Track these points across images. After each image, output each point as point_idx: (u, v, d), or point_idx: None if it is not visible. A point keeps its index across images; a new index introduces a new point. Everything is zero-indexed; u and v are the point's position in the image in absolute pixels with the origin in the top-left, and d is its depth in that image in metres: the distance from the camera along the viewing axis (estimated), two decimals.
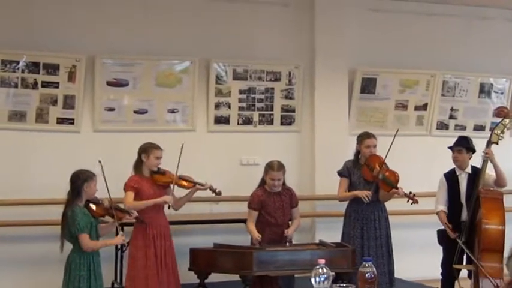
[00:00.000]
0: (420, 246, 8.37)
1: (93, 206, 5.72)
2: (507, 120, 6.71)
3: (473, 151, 6.89)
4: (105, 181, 5.76)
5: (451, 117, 9.10)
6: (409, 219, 8.19)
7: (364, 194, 6.71)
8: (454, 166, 6.96)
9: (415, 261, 8.14)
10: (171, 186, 6.42)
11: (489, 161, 6.62)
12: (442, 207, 6.90)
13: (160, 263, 6.25)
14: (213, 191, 6.60)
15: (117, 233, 5.98)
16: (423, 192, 7.48)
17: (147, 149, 6.38)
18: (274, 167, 6.56)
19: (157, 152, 6.36)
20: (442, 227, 6.89)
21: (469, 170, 6.86)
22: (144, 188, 6.28)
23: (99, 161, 5.79)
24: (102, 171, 5.77)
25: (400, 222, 7.77)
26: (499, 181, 6.68)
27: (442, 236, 6.90)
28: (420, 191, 7.29)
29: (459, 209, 6.77)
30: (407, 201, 6.74)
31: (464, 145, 6.86)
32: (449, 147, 6.94)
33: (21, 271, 7.35)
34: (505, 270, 3.29)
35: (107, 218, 5.91)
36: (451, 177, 6.91)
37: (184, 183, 6.50)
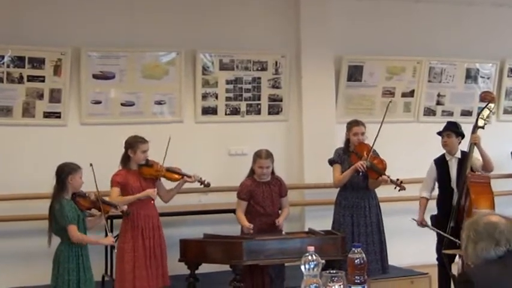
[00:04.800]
0: (410, 232, 8.36)
1: (79, 199, 5.72)
2: (492, 105, 6.72)
3: (463, 136, 6.89)
4: (96, 183, 5.74)
5: (438, 103, 9.11)
6: (399, 206, 8.19)
7: (360, 164, 6.63)
8: (442, 152, 6.97)
9: (406, 248, 8.17)
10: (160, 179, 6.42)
11: (475, 146, 6.64)
12: (425, 193, 6.94)
13: (149, 254, 6.24)
14: (202, 182, 6.57)
15: (106, 234, 5.86)
16: (411, 178, 7.48)
17: (132, 144, 6.33)
18: (262, 155, 6.56)
19: (143, 146, 6.32)
20: (435, 213, 6.92)
21: (458, 155, 6.87)
22: (130, 182, 6.25)
23: (91, 165, 5.73)
24: (94, 175, 5.74)
25: (390, 208, 7.79)
26: (486, 166, 6.70)
27: (435, 222, 6.91)
28: (408, 178, 7.29)
29: (450, 194, 6.77)
30: (395, 188, 6.75)
31: (453, 129, 6.86)
32: (438, 133, 6.93)
33: (9, 266, 7.30)
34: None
35: (94, 211, 5.90)
36: (441, 163, 6.91)
37: (172, 175, 6.47)
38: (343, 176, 6.79)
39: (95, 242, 5.78)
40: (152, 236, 6.28)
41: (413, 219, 6.85)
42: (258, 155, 6.58)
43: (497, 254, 3.14)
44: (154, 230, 6.31)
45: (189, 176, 6.47)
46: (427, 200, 6.93)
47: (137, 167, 6.35)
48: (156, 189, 6.32)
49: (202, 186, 6.60)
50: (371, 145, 6.78)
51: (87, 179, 5.79)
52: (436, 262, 6.97)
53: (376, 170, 6.73)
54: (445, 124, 7.03)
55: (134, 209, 6.20)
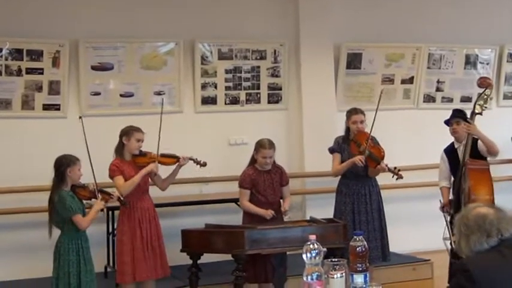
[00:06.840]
0: (410, 219, 8.40)
1: (79, 190, 5.73)
2: (489, 91, 6.65)
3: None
4: (86, 139, 5.79)
5: (438, 89, 9.11)
6: (399, 193, 8.20)
7: (358, 158, 6.66)
8: (442, 139, 6.91)
9: (408, 235, 8.17)
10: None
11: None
12: (444, 183, 6.77)
13: (147, 246, 6.21)
14: (197, 162, 6.51)
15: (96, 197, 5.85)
16: (411, 165, 7.48)
17: (128, 132, 6.28)
18: (265, 145, 6.53)
19: (138, 135, 6.25)
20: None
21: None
22: (125, 172, 6.19)
23: (80, 117, 5.85)
24: (83, 128, 5.81)
25: (391, 196, 7.79)
26: (489, 150, 6.58)
27: (453, 207, 6.83)
28: (408, 165, 7.29)
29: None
30: (392, 176, 6.73)
31: (460, 116, 6.77)
32: (446, 122, 6.81)
33: (10, 259, 7.32)
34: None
35: (94, 201, 5.88)
36: (450, 151, 6.83)
37: (166, 160, 6.41)
38: (341, 167, 6.84)
39: (95, 213, 5.75)
40: (149, 228, 6.23)
41: (440, 200, 6.75)
42: (261, 145, 6.54)
43: (490, 245, 3.16)
44: (151, 221, 6.26)
45: (183, 158, 6.40)
46: (448, 188, 6.79)
47: (131, 157, 6.31)
48: (157, 163, 6.26)
49: (198, 166, 6.56)
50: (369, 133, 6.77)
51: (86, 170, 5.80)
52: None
53: (374, 159, 6.72)
54: (451, 112, 6.92)
55: (130, 201, 6.17)
